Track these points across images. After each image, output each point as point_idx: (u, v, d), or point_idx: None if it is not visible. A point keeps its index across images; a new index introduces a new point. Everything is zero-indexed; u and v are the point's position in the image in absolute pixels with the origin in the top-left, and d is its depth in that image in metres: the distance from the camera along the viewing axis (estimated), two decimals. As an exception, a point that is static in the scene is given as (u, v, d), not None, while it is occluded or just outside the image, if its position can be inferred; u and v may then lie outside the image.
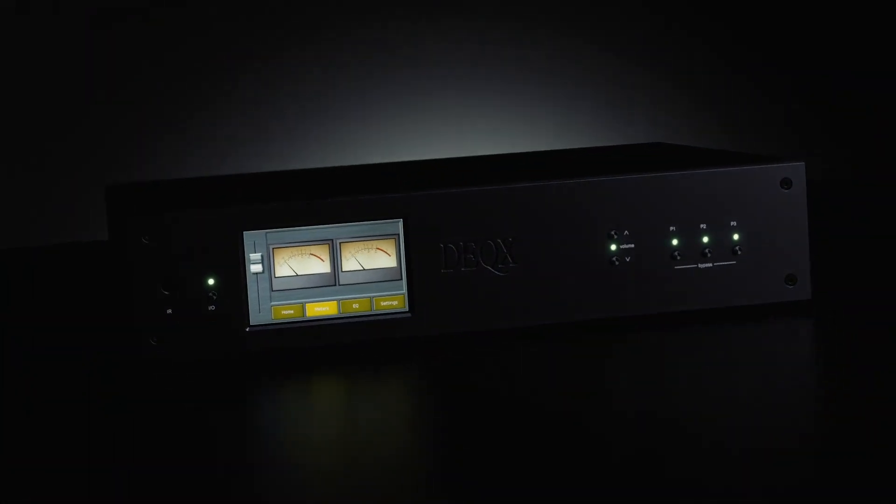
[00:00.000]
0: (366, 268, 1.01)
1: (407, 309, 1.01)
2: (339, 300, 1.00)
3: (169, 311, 0.98)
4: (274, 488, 0.71)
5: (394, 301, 1.01)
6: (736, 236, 1.05)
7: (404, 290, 1.01)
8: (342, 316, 1.01)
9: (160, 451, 0.77)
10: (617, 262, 1.04)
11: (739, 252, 1.05)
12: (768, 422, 0.79)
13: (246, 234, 0.99)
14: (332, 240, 1.00)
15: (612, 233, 1.04)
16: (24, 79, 1.71)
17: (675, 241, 1.04)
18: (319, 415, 0.89)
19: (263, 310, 1.00)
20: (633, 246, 1.04)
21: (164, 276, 0.98)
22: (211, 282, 0.99)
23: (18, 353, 1.04)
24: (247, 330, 0.99)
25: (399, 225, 1.01)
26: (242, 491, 0.71)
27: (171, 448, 0.78)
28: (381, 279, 1.01)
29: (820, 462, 0.72)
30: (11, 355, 1.03)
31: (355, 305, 1.01)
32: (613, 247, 1.04)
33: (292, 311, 1.00)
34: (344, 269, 1.00)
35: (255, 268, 0.99)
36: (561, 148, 1.69)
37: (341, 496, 0.70)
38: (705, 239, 1.05)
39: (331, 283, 1.00)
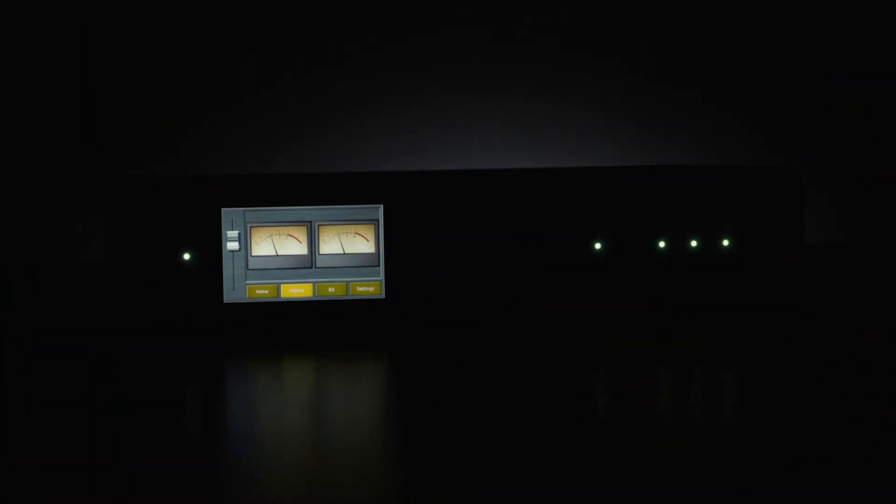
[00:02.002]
0: (344, 252, 1.00)
1: (383, 295, 1.00)
2: (314, 283, 0.99)
3: (144, 284, 0.97)
4: (245, 487, 0.70)
5: (370, 287, 1.00)
6: (727, 241, 1.04)
7: (381, 277, 1.00)
8: (317, 299, 0.99)
9: (160, 451, 0.77)
10: (604, 262, 1.02)
11: (732, 256, 1.04)
12: (762, 426, 0.78)
13: (224, 210, 0.98)
14: (310, 222, 0.99)
15: (600, 231, 1.02)
16: (25, 82, 1.70)
17: (663, 244, 1.03)
18: (289, 403, 0.88)
19: (238, 288, 0.99)
20: (622, 246, 1.02)
21: (141, 248, 0.97)
22: (186, 257, 0.98)
23: (18, 353, 1.03)
24: (220, 307, 0.98)
25: (379, 210, 1.00)
26: (216, 490, 0.70)
27: (170, 448, 0.77)
28: (358, 264, 1.00)
29: (816, 465, 0.71)
30: (11, 355, 1.03)
31: (331, 289, 1.00)
32: (598, 245, 1.02)
33: (267, 292, 0.99)
34: (321, 252, 0.99)
35: (232, 245, 0.98)
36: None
37: (314, 487, 0.70)
38: (694, 243, 1.03)
39: (307, 265, 0.99)
